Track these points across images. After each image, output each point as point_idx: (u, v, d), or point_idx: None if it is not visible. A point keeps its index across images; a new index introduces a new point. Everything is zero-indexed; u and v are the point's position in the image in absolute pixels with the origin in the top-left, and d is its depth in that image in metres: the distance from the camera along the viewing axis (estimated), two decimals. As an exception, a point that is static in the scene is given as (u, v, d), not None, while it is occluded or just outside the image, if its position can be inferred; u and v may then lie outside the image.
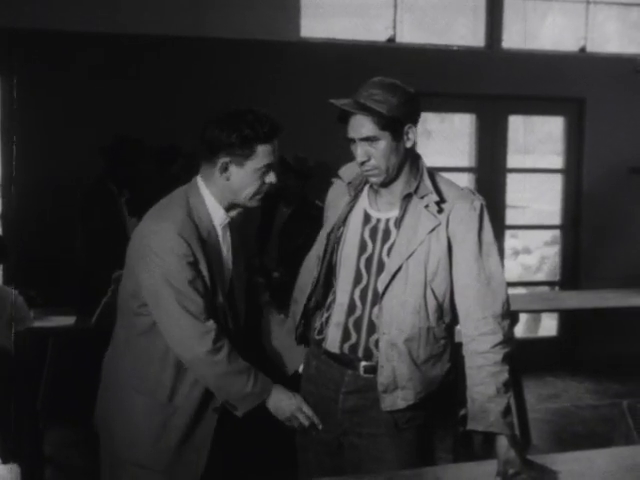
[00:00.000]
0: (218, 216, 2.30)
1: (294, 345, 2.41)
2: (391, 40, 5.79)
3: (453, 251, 2.22)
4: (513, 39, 6.10)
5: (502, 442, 2.16)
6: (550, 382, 5.80)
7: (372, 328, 2.25)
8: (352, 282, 2.28)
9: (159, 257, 2.18)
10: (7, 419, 3.60)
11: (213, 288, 2.25)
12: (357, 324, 2.27)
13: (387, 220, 2.27)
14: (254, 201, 2.31)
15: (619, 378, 5.85)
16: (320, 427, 2.28)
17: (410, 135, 2.22)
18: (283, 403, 2.26)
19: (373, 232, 2.28)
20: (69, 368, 3.96)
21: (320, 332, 2.34)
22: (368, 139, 2.19)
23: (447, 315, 2.26)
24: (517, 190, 6.24)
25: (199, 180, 2.30)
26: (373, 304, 2.25)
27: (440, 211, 2.21)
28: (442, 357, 2.25)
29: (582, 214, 6.26)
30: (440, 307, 2.23)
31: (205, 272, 2.22)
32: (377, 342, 2.24)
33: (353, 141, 2.23)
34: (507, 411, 2.17)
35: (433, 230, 2.20)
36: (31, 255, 4.70)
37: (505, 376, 2.17)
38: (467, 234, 2.21)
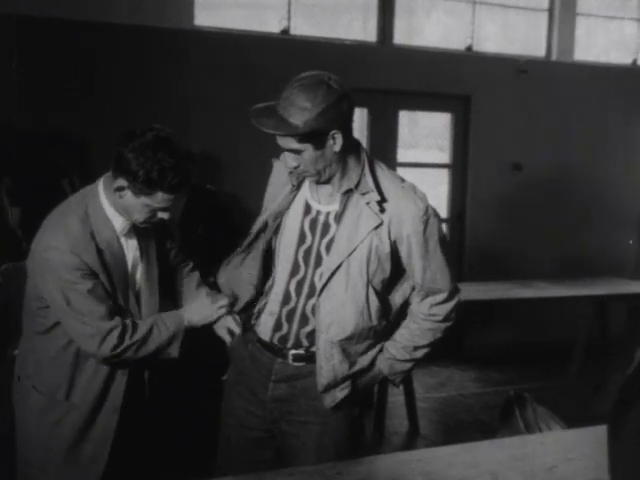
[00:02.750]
0: (118, 224, 2.25)
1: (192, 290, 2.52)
2: (285, 32, 5.78)
3: (399, 250, 2.22)
4: (403, 36, 6.21)
5: (383, 359, 2.32)
6: (436, 372, 5.95)
7: (305, 321, 2.25)
8: (289, 272, 2.27)
9: (55, 272, 2.16)
10: None
11: (114, 292, 2.25)
12: (290, 315, 2.26)
13: (327, 213, 2.25)
14: (144, 225, 2.26)
15: (500, 367, 6.07)
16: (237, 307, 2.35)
17: (337, 140, 2.13)
18: (202, 311, 2.35)
19: (313, 224, 2.26)
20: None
21: (256, 318, 2.36)
22: (292, 151, 2.15)
23: (389, 313, 2.29)
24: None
25: (100, 187, 2.24)
26: (308, 297, 2.24)
27: (382, 210, 2.18)
28: (377, 344, 2.31)
29: (467, 208, 6.45)
30: (382, 306, 2.25)
31: (105, 279, 2.21)
32: (308, 334, 2.25)
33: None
34: (406, 366, 2.33)
35: (376, 228, 2.18)
36: None
37: (424, 341, 2.31)
38: (412, 235, 2.19)
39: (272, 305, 2.31)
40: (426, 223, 2.19)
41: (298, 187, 2.30)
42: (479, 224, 6.41)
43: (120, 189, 2.15)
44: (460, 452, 2.28)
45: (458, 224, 6.49)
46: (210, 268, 4.47)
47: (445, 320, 2.33)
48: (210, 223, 4.76)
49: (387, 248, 2.19)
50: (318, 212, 2.26)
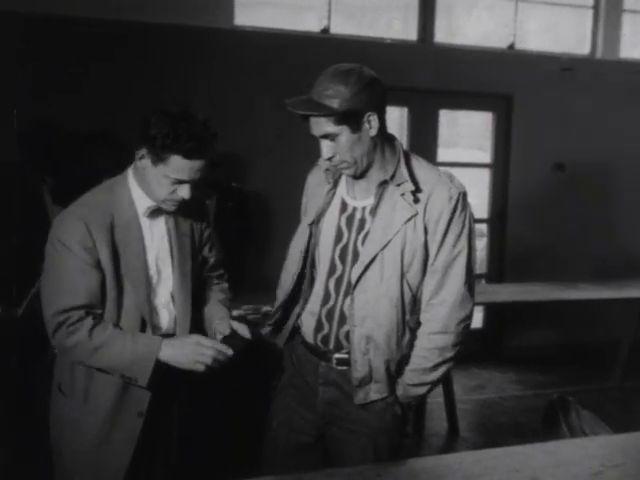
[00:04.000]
0: (142, 205, 2.24)
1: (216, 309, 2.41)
2: (325, 31, 5.76)
3: (428, 236, 2.19)
4: (444, 34, 6.16)
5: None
6: (476, 373, 5.90)
7: (343, 319, 2.24)
8: (327, 272, 2.26)
9: (54, 232, 2.16)
10: None
11: (117, 275, 2.17)
12: (329, 315, 2.26)
13: (363, 208, 2.24)
14: (167, 206, 2.22)
15: (541, 369, 5.99)
16: (229, 352, 2.15)
17: (372, 123, 2.13)
18: (178, 354, 2.13)
19: (349, 221, 2.25)
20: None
21: (298, 320, 2.36)
22: (327, 136, 2.13)
23: (419, 306, 2.25)
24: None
25: (130, 168, 2.27)
26: (346, 294, 2.23)
27: (416, 200, 2.16)
28: (412, 342, 2.26)
29: (508, 208, 6.38)
30: (414, 299, 2.22)
31: (107, 258, 2.15)
32: (347, 334, 2.23)
33: (315, 138, 2.19)
34: (419, 391, 2.26)
35: (409, 220, 2.16)
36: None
37: (429, 365, 2.22)
38: (438, 223, 2.17)
39: (312, 305, 2.30)
40: (454, 209, 2.16)
41: (335, 185, 2.29)
42: (520, 224, 6.33)
43: (141, 157, 2.17)
44: (502, 456, 2.26)
45: (499, 224, 6.42)
46: (241, 268, 4.46)
47: (445, 331, 2.21)
48: (236, 220, 4.82)
49: (422, 238, 2.18)
50: (354, 208, 2.25)
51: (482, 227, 6.59)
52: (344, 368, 2.25)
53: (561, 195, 6.38)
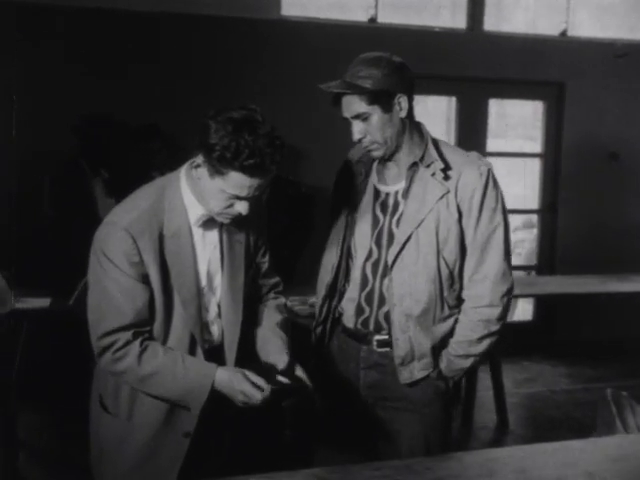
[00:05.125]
0: (195, 213, 2.04)
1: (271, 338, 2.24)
2: (372, 20, 5.72)
3: (463, 214, 2.25)
4: (494, 22, 6.06)
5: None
6: (526, 366, 5.83)
7: (382, 301, 2.29)
8: (365, 257, 2.31)
9: (99, 245, 2.00)
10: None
11: (167, 290, 2.02)
12: (369, 298, 2.31)
13: (395, 193, 2.30)
14: (222, 218, 2.03)
15: (591, 363, 5.89)
16: (266, 390, 1.99)
17: (402, 104, 2.23)
18: (229, 386, 1.99)
19: (383, 206, 2.31)
20: (44, 351, 3.89)
21: (338, 308, 2.39)
22: (359, 116, 2.21)
23: (457, 282, 2.29)
24: (496, 174, 6.22)
25: (182, 172, 2.06)
26: (383, 276, 2.28)
27: (447, 178, 2.23)
28: (451, 318, 2.30)
29: (559, 199, 6.27)
30: (451, 275, 2.27)
31: (156, 272, 1.99)
32: (386, 315, 2.28)
33: (347, 121, 2.24)
34: (465, 363, 2.29)
35: (442, 198, 2.22)
36: (4, 234, 4.59)
37: (475, 337, 2.26)
38: (472, 200, 2.24)
39: (351, 292, 2.35)
40: (486, 184, 2.24)
41: (367, 175, 2.35)
42: (572, 215, 6.22)
43: (197, 166, 1.97)
44: (555, 450, 2.22)
45: (549, 215, 6.32)
46: (293, 263, 4.45)
47: (491, 305, 2.26)
48: (292, 215, 4.78)
49: (455, 215, 2.24)
50: (387, 194, 2.32)
51: (532, 218, 6.50)
52: (385, 349, 2.31)
53: (614, 185, 6.25)
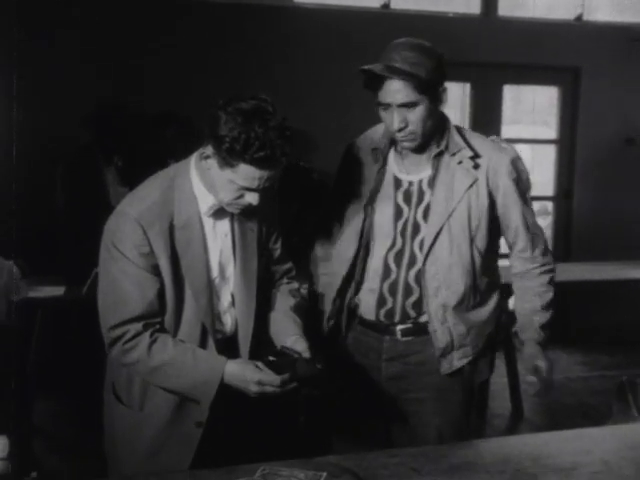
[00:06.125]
0: (205, 203, 2.03)
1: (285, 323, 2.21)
2: (385, 6, 5.68)
3: (497, 203, 2.25)
4: (508, 7, 6.01)
5: (530, 344, 2.33)
6: (541, 354, 5.79)
7: (409, 291, 2.26)
8: (387, 248, 2.27)
9: (109, 236, 1.99)
10: (-4, 391, 3.55)
11: (178, 281, 2.00)
12: (392, 288, 2.26)
13: (420, 181, 2.26)
14: (232, 209, 2.01)
15: (607, 350, 5.87)
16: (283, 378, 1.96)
17: (444, 96, 2.20)
18: (241, 381, 1.97)
19: (407, 196, 2.26)
20: (58, 339, 3.90)
21: (353, 300, 2.33)
22: (406, 105, 2.13)
23: (488, 267, 2.31)
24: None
25: (192, 161, 2.04)
26: (409, 267, 2.25)
27: (476, 166, 2.21)
28: (488, 301, 2.33)
29: (575, 186, 6.22)
30: (483, 261, 2.27)
31: (167, 263, 1.98)
32: (414, 304, 2.26)
33: (385, 107, 2.17)
34: (547, 325, 2.34)
35: (471, 186, 2.20)
36: (17, 222, 4.60)
37: (550, 295, 2.34)
38: (508, 185, 2.24)
39: (371, 282, 2.30)
40: (518, 171, 2.25)
41: (385, 163, 2.30)
42: (588, 202, 6.18)
43: (206, 157, 1.95)
44: (570, 438, 2.21)
45: (565, 202, 6.27)
46: (305, 250, 4.41)
47: (551, 282, 2.35)
48: (304, 202, 4.75)
49: (485, 202, 2.22)
50: (410, 183, 2.27)
51: (548, 205, 6.45)
52: (409, 338, 2.28)
53: (631, 171, 6.19)
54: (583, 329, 6.15)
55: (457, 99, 6.03)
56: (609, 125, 6.13)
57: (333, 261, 2.36)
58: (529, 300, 2.34)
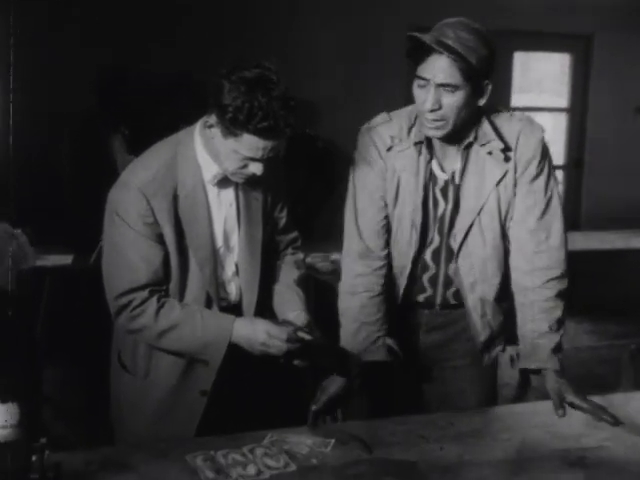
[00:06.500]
0: (209, 172, 2.01)
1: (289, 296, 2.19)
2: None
3: (520, 187, 2.12)
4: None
5: (551, 376, 2.14)
6: (549, 323, 5.79)
7: (449, 283, 2.20)
8: (425, 244, 2.17)
9: (113, 207, 1.99)
10: (6, 358, 3.57)
11: (182, 252, 2.00)
12: (432, 280, 2.21)
13: (452, 174, 2.13)
14: (237, 178, 2.00)
15: (616, 319, 5.84)
16: (307, 337, 1.97)
17: (487, 92, 2.03)
18: (250, 339, 1.98)
19: (443, 191, 2.14)
20: (66, 308, 3.91)
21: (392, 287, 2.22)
22: (447, 85, 1.97)
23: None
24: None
25: (197, 129, 2.02)
26: (448, 261, 2.18)
27: (507, 159, 2.09)
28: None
29: (585, 154, 6.18)
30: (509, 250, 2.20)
31: (171, 232, 1.98)
32: (454, 294, 2.21)
33: (422, 82, 2.00)
34: (558, 348, 2.14)
35: (502, 179, 2.10)
36: (25, 192, 4.59)
37: (558, 313, 2.14)
38: (528, 166, 2.11)
39: (413, 273, 2.21)
40: (543, 152, 2.11)
41: (431, 158, 2.14)
42: (598, 171, 6.14)
43: (210, 126, 1.93)
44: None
45: (575, 171, 6.23)
46: (310, 220, 4.38)
47: (562, 275, 2.16)
48: (310, 169, 4.73)
49: (512, 190, 2.12)
50: (444, 176, 2.15)
51: (558, 174, 6.40)
52: (448, 311, 2.23)
53: (642, 140, 6.15)
54: (592, 298, 6.13)
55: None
56: (621, 93, 6.07)
57: (394, 257, 2.21)
58: (532, 319, 2.16)
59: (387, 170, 2.15)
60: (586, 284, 6.10)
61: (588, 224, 5.99)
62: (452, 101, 1.98)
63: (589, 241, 5.43)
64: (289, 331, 1.96)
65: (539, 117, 6.13)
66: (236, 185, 2.07)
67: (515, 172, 2.10)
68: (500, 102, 6.02)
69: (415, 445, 1.94)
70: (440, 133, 2.04)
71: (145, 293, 1.98)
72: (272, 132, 1.87)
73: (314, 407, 2.06)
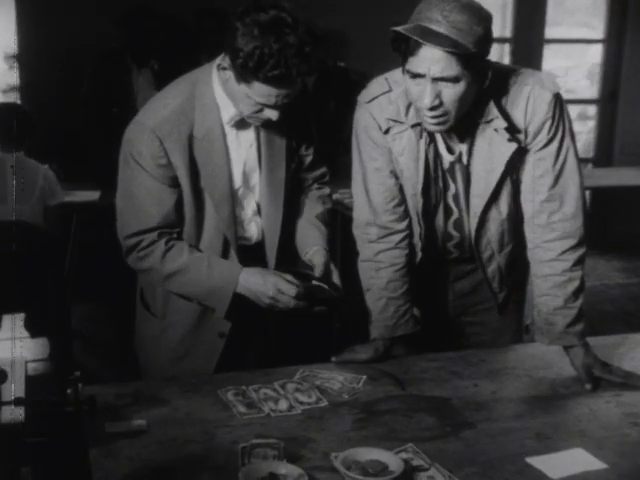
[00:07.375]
0: (227, 112, 1.94)
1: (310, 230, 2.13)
2: None
3: (531, 153, 1.96)
4: None
5: (575, 351, 2.00)
6: (579, 260, 5.73)
7: (477, 247, 2.10)
8: (443, 217, 2.08)
9: (127, 147, 1.95)
10: (36, 294, 3.60)
11: (196, 191, 1.96)
12: (459, 245, 2.13)
13: (460, 154, 1.98)
14: (253, 121, 1.93)
15: (648, 257, 5.78)
16: (300, 288, 1.90)
17: (489, 73, 1.82)
18: (257, 292, 1.93)
19: (450, 170, 2.01)
20: (94, 243, 3.91)
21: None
22: (445, 79, 1.75)
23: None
24: (553, 63, 5.97)
25: (215, 67, 1.93)
26: (468, 232, 2.08)
27: (513, 139, 1.91)
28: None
29: (620, 87, 6.00)
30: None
31: (185, 175, 1.93)
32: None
33: (415, 77, 1.78)
34: (575, 320, 2.00)
35: (512, 156, 1.93)
36: (52, 128, 4.56)
37: (575, 284, 1.98)
38: (538, 134, 1.92)
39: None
40: (554, 116, 1.91)
41: (432, 140, 1.98)
42: (634, 103, 5.96)
43: (223, 68, 1.86)
44: (612, 344, 2.17)
45: (609, 105, 6.07)
46: (339, 156, 4.31)
47: (580, 244, 1.98)
48: (341, 101, 4.63)
49: (526, 164, 1.97)
50: (451, 156, 2.00)
51: (588, 110, 6.26)
52: (474, 265, 2.17)
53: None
54: (623, 236, 6.05)
55: (497, 3, 5.78)
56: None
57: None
58: (546, 293, 2.02)
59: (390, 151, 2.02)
60: (617, 221, 6.03)
61: (621, 159, 5.86)
62: (453, 94, 1.77)
63: (621, 177, 5.32)
64: (299, 289, 1.90)
65: (572, 48, 6.00)
66: (256, 126, 2.00)
67: (525, 141, 1.94)
68: (532, 35, 5.89)
69: (447, 381, 1.93)
70: (443, 128, 1.87)
71: (154, 235, 1.96)
72: (283, 81, 1.78)
73: (334, 359, 2.05)
